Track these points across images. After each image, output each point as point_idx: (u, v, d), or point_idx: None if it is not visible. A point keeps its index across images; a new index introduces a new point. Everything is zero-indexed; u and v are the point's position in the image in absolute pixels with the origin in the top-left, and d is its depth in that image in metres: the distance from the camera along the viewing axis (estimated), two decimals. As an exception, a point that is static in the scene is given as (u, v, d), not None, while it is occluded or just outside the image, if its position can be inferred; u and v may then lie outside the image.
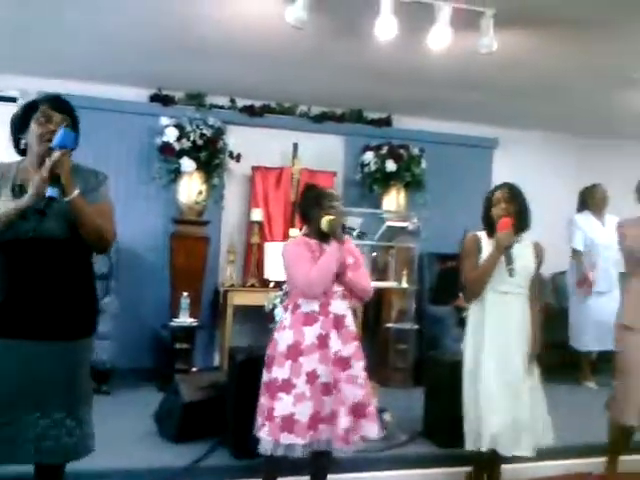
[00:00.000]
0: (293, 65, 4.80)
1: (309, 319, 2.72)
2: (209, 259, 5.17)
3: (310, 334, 2.70)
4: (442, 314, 5.16)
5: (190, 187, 5.10)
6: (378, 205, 5.64)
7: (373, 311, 5.43)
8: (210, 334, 5.42)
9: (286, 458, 2.67)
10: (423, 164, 5.73)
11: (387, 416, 3.71)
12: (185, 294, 4.76)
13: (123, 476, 3.09)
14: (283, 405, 2.64)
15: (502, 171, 6.32)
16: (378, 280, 4.73)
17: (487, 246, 2.98)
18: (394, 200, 5.61)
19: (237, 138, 5.46)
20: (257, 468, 3.04)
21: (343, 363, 2.70)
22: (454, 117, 6.10)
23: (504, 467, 3.24)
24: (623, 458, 3.40)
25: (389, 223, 4.20)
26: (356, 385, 2.71)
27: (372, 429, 2.74)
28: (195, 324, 4.81)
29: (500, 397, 2.85)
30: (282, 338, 2.75)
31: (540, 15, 3.77)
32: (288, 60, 4.67)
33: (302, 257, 2.74)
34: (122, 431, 3.59)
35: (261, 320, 3.36)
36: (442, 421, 3.57)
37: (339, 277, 2.75)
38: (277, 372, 2.70)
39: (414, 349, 4.94)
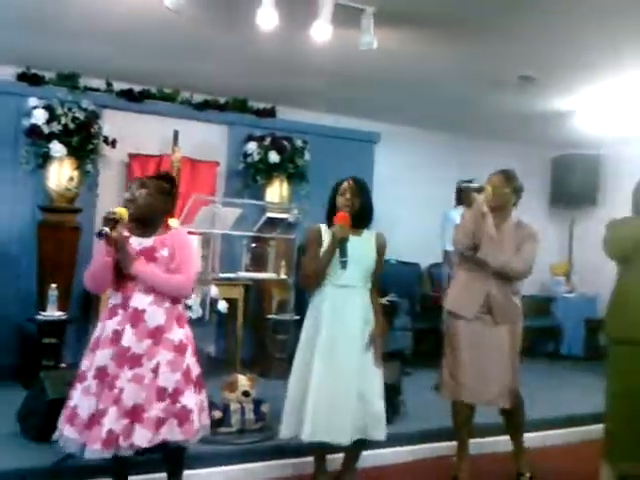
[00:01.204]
0: (174, 51, 4.66)
1: (112, 312, 2.63)
2: (81, 249, 4.90)
3: (108, 328, 2.60)
4: (322, 304, 5.22)
5: (60, 173, 4.82)
6: (261, 196, 5.61)
7: (254, 303, 5.42)
8: (82, 328, 5.14)
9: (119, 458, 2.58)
10: (306, 156, 5.77)
11: (265, 407, 3.71)
12: (53, 286, 4.49)
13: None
14: (74, 395, 2.59)
15: (383, 165, 6.52)
16: (256, 271, 4.71)
17: (327, 238, 2.97)
18: (277, 191, 5.61)
19: (113, 123, 5.20)
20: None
21: (132, 361, 2.53)
22: (338, 110, 6.19)
23: (365, 453, 3.25)
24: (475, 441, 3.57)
25: (269, 214, 4.19)
26: (142, 386, 2.51)
27: (143, 436, 2.47)
28: (64, 318, 4.56)
29: (326, 388, 2.86)
30: (95, 331, 2.68)
31: (419, 16, 3.90)
32: (169, 45, 4.53)
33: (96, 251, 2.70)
34: (-19, 432, 3.36)
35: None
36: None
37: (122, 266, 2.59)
38: (82, 363, 2.65)
39: (295, 340, 4.97)
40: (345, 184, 3.00)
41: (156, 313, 2.59)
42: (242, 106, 5.87)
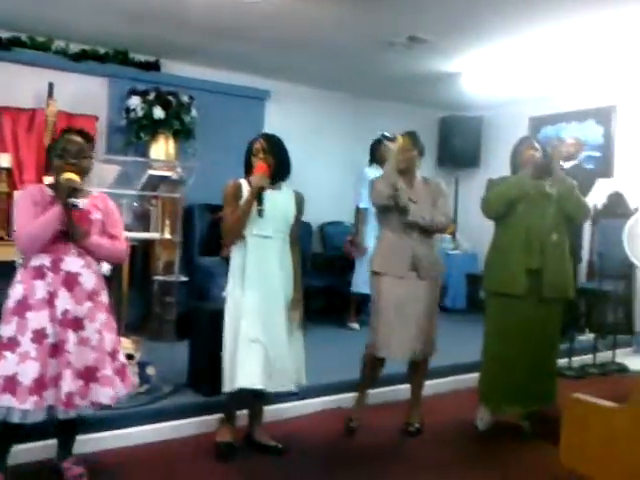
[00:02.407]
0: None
1: (38, 273, 2.53)
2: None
3: (40, 289, 2.52)
4: (211, 265, 5.15)
5: None
6: (146, 153, 5.36)
7: (140, 264, 5.24)
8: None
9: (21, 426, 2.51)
10: (193, 112, 5.56)
11: (150, 370, 3.63)
12: None
13: None
14: (7, 364, 2.46)
15: (274, 123, 6.42)
16: (141, 231, 4.52)
17: (247, 193, 3.02)
18: (163, 148, 5.37)
19: (-21, 73, 4.80)
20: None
21: (74, 324, 2.55)
22: (226, 66, 6.01)
23: (265, 408, 3.36)
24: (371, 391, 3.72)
25: (151, 172, 4.00)
26: (87, 348, 2.58)
27: (104, 394, 2.62)
28: None
29: (259, 337, 2.93)
30: (13, 293, 2.55)
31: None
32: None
33: (23, 208, 2.55)
34: None
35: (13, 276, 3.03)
36: (206, 370, 3.57)
37: (75, 240, 2.57)
38: (3, 329, 2.51)
39: (182, 301, 4.87)
40: (257, 144, 3.05)
41: (90, 276, 2.61)
42: (123, 58, 5.55)
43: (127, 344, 3.55)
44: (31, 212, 2.52)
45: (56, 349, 2.51)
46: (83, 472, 2.79)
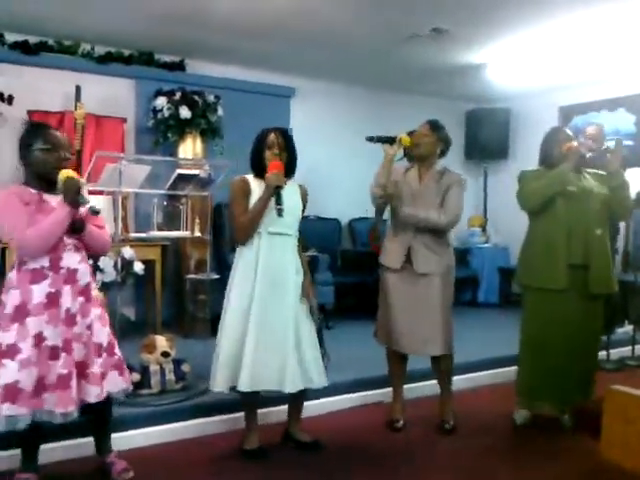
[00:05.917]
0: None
1: (37, 276, 2.46)
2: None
3: (38, 293, 2.45)
4: (242, 262, 5.14)
5: (-48, 133, 4.46)
6: (174, 153, 5.39)
7: (172, 263, 5.27)
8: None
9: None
10: (220, 111, 5.58)
11: (185, 367, 3.64)
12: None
13: None
14: (7, 372, 2.39)
15: (300, 120, 6.42)
16: (171, 230, 4.54)
17: (256, 188, 2.96)
18: (190, 148, 5.40)
19: (8, 78, 4.88)
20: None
21: (68, 320, 2.50)
22: (250, 64, 6.02)
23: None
24: (408, 386, 3.68)
25: (179, 171, 4.00)
26: (81, 344, 2.53)
27: (92, 393, 2.53)
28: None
29: (266, 337, 2.88)
30: (8, 299, 2.46)
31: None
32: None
33: (13, 211, 2.41)
34: None
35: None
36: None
37: (76, 233, 2.54)
38: (2, 337, 2.43)
39: (214, 299, 4.88)
40: (272, 137, 2.95)
41: (85, 271, 2.58)
42: (149, 59, 5.58)
43: (162, 342, 3.57)
44: (24, 213, 2.42)
45: (57, 351, 2.45)
46: (128, 466, 2.79)
